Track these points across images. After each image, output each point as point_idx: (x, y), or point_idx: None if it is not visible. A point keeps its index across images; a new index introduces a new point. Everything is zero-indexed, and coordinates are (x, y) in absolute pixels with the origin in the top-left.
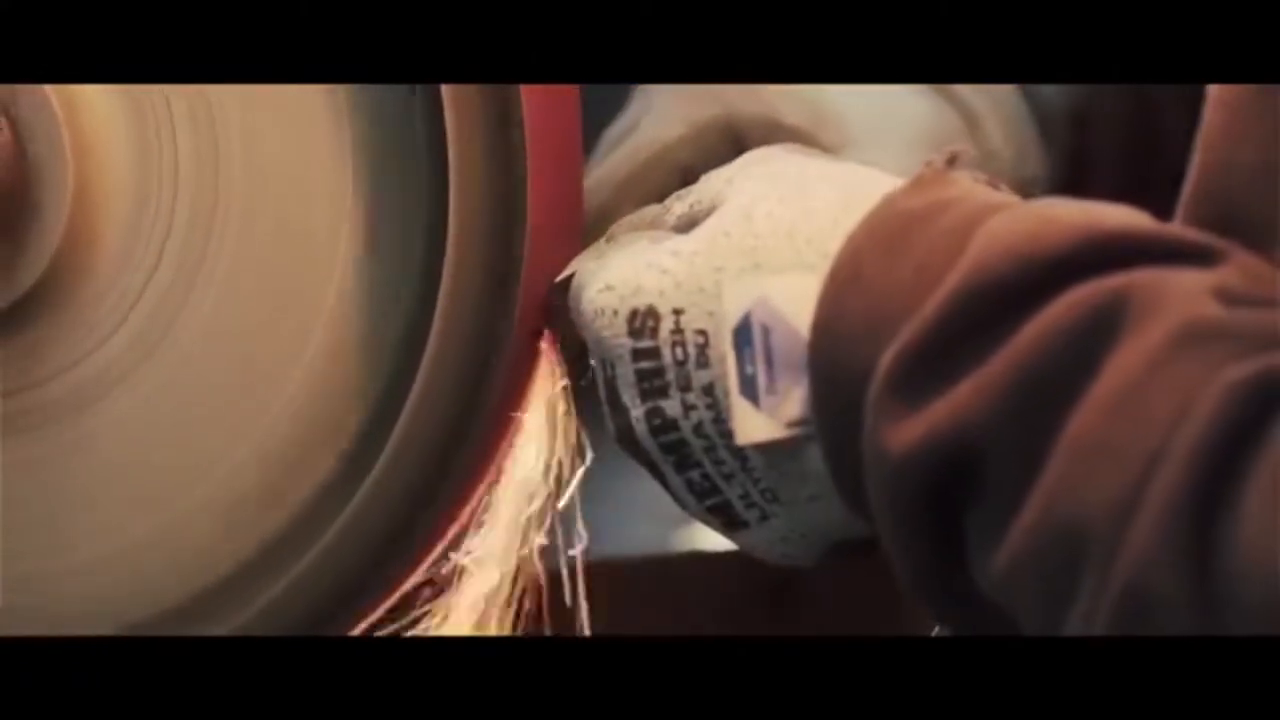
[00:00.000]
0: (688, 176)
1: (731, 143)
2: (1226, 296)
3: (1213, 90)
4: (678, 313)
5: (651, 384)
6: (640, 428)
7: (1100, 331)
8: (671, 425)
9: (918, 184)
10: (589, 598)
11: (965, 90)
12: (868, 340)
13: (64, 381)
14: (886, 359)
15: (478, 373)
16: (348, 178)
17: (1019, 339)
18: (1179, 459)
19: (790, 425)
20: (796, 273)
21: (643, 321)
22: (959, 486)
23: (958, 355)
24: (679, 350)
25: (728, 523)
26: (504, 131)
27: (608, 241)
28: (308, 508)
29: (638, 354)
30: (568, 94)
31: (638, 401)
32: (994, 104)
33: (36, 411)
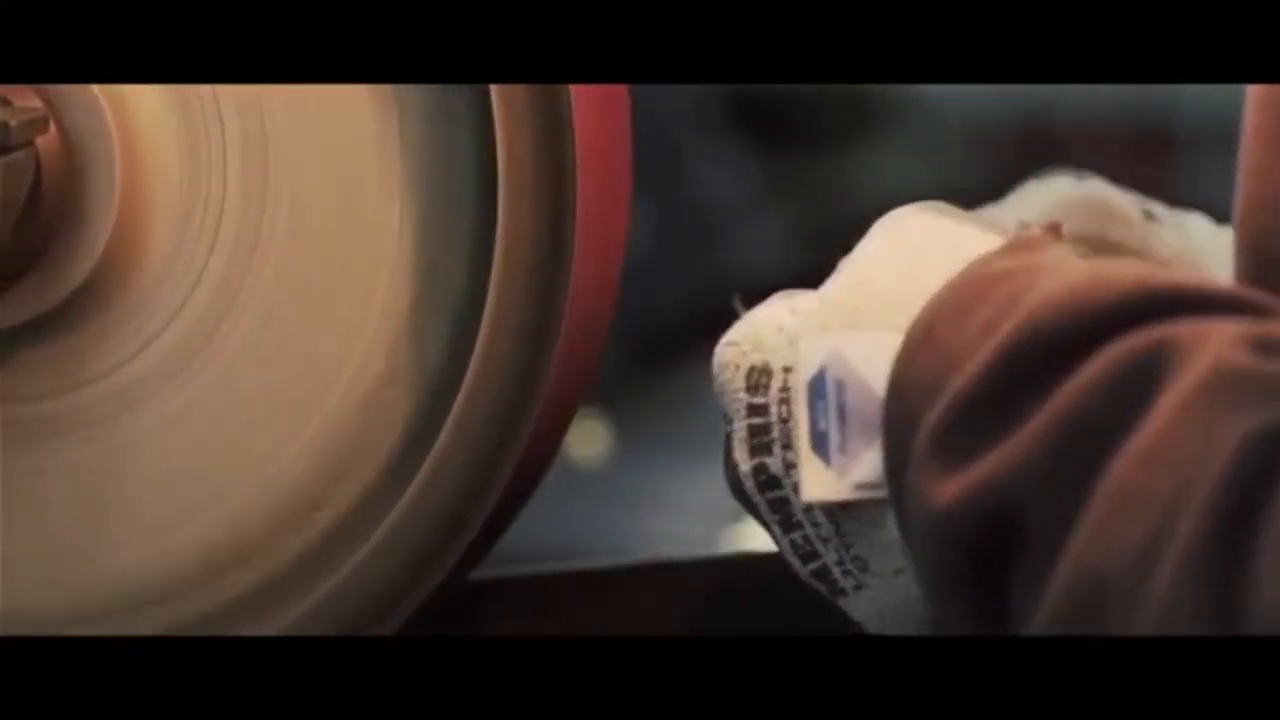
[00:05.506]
0: None
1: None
2: (1263, 345)
3: (1247, 123)
4: (787, 371)
5: (760, 440)
6: (749, 483)
7: (1140, 382)
8: (775, 482)
9: (1007, 249)
10: (636, 601)
11: None
12: (931, 398)
13: (111, 382)
14: (933, 413)
15: (525, 375)
16: (396, 177)
17: (1062, 393)
18: (1197, 508)
19: (859, 488)
20: (878, 331)
21: (758, 378)
22: (1001, 545)
23: (1002, 410)
24: (784, 408)
25: (830, 590)
26: (554, 131)
27: None
28: (354, 509)
29: (751, 410)
30: (618, 99)
31: (747, 457)
32: None
33: (83, 412)
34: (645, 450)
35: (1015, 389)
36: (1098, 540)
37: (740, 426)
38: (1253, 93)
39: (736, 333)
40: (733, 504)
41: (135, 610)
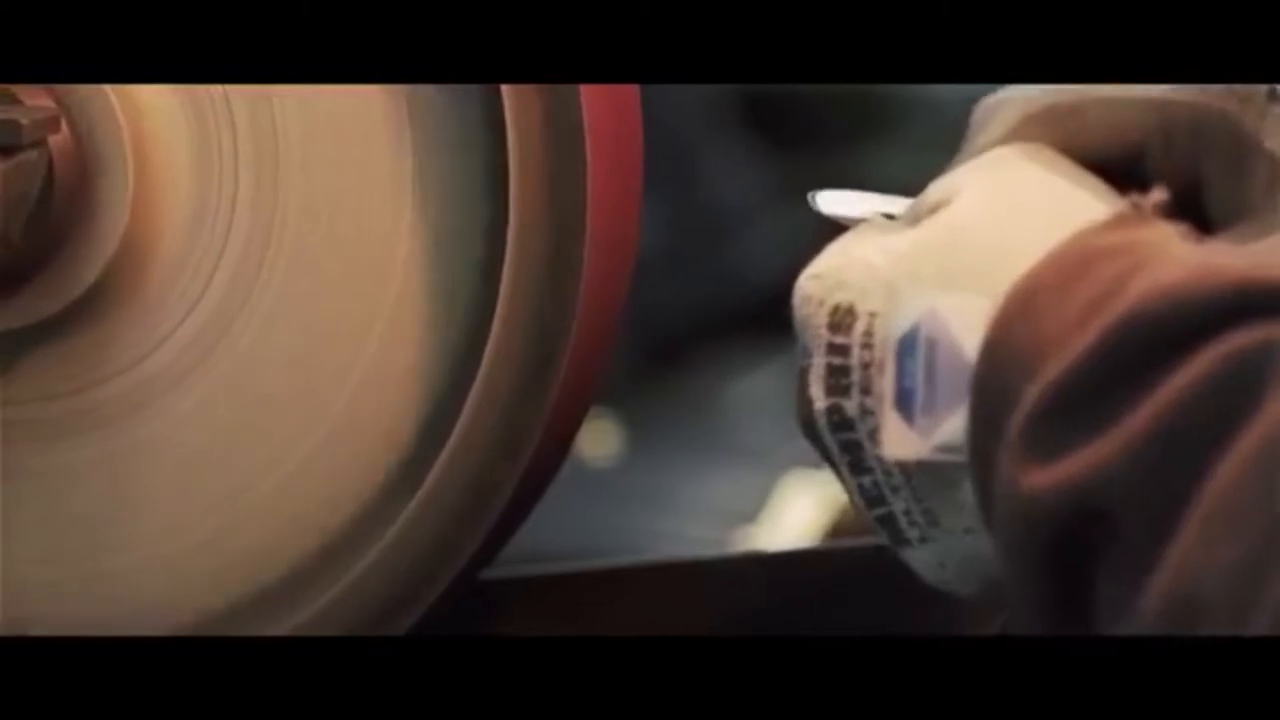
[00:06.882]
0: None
1: (1189, 131)
2: None
3: None
4: (872, 315)
5: (838, 381)
6: (821, 421)
7: (1246, 384)
8: (849, 425)
9: (1115, 222)
10: (648, 601)
11: None
12: (1026, 373)
13: (123, 381)
14: (1030, 394)
15: (537, 374)
16: (407, 177)
17: (1163, 391)
18: None
19: (939, 449)
20: (977, 295)
21: (842, 317)
22: (1090, 538)
23: (1100, 401)
24: (866, 353)
25: (893, 537)
26: (565, 131)
27: None
28: (365, 509)
29: (832, 349)
30: (628, 98)
31: (823, 395)
32: None
33: (96, 411)
34: (657, 450)
35: (1115, 380)
36: (1199, 551)
37: (819, 363)
38: None
39: (821, 265)
40: (743, 505)
41: (146, 609)
